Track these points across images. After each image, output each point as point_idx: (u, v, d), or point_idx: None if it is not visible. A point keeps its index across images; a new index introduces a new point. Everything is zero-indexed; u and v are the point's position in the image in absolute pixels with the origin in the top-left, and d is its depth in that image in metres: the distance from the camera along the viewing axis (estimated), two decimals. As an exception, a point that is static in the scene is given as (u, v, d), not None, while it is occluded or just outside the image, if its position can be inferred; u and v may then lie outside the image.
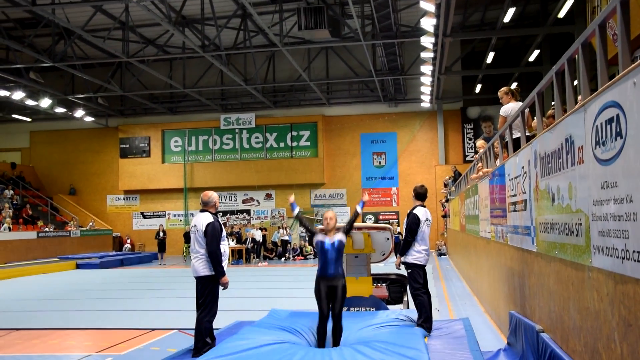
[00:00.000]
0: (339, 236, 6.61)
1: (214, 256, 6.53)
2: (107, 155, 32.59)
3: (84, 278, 19.46)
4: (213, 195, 6.93)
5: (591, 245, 4.02)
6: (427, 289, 7.44)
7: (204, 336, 6.52)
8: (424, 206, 7.60)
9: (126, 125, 32.31)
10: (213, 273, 6.57)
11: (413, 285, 7.32)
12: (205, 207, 6.84)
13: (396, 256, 7.73)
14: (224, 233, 6.83)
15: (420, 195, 7.62)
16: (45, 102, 26.26)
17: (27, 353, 8.05)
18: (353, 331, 6.76)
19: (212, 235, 6.54)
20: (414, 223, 7.33)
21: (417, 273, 7.33)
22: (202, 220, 6.66)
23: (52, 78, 27.63)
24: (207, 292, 6.58)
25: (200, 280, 6.61)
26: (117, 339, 8.80)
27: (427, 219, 7.46)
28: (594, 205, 3.95)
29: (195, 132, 31.56)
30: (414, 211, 7.47)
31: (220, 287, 6.68)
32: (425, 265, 7.45)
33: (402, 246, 7.47)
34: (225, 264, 6.67)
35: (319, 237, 6.63)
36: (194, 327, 6.66)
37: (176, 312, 11.42)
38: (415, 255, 7.33)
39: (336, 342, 6.47)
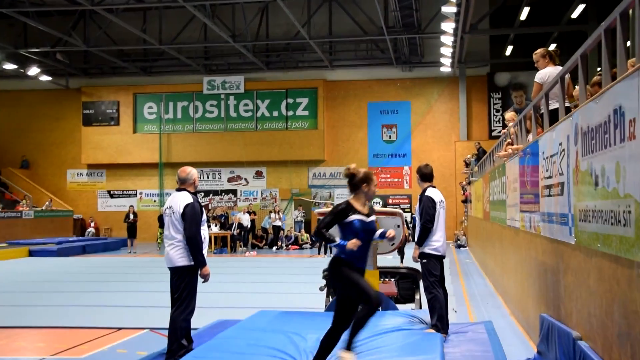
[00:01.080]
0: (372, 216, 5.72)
1: (193, 242, 6.53)
2: (67, 122, 32.51)
3: (38, 267, 19.49)
4: (192, 171, 6.93)
5: (642, 237, 3.99)
6: (444, 285, 7.46)
7: (179, 337, 6.53)
8: (434, 187, 7.63)
9: (91, 87, 32.21)
10: (191, 263, 6.58)
11: (428, 278, 7.34)
12: (183, 185, 6.85)
13: (406, 243, 7.73)
14: (204, 216, 6.82)
15: (427, 175, 7.68)
16: (-7, 58, 26.14)
17: (-31, 355, 8.07)
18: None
19: (191, 218, 6.55)
20: (430, 207, 7.34)
21: (433, 265, 7.35)
22: (179, 200, 6.66)
23: (1, 28, 27.42)
24: (184, 286, 6.59)
25: (176, 272, 6.62)
26: (77, 339, 8.79)
27: (442, 201, 7.56)
28: (647, 190, 3.91)
29: (173, 97, 31.49)
30: (427, 193, 7.49)
31: (200, 280, 6.71)
32: (443, 257, 7.48)
33: (419, 234, 7.48)
34: (205, 252, 6.69)
35: (354, 216, 5.51)
36: (167, 326, 6.66)
37: (147, 309, 11.46)
38: (432, 244, 7.34)
39: (325, 352, 5.61)
